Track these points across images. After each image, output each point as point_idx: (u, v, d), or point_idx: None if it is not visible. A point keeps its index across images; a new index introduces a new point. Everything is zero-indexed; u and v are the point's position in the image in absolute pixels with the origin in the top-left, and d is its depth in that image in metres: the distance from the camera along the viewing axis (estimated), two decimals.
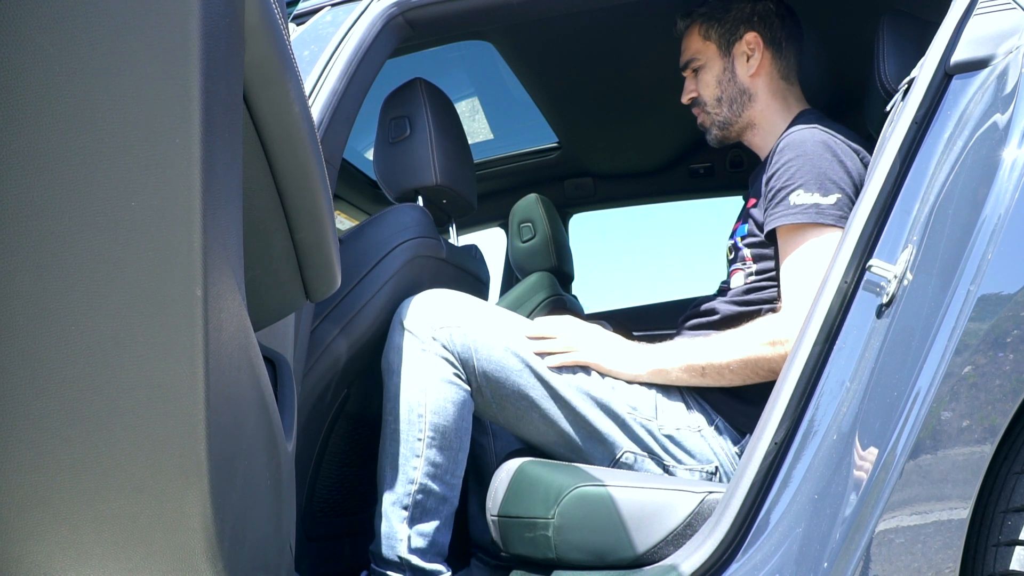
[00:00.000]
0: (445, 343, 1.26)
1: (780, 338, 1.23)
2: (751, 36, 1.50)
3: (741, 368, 1.27)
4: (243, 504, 0.70)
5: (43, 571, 0.64)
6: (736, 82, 1.50)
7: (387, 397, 1.28)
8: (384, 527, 1.25)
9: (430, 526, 1.26)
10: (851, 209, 1.23)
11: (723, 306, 1.41)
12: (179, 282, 0.60)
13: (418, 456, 1.25)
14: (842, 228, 1.22)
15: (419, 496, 1.25)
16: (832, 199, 1.26)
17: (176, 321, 0.60)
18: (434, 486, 1.26)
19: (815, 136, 1.32)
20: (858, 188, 1.28)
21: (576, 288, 2.61)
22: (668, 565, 1.07)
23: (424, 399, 1.25)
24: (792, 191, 1.28)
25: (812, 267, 1.24)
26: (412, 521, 1.25)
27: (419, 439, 1.25)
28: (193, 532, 0.63)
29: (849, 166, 1.29)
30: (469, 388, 1.28)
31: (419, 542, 1.24)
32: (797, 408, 1.03)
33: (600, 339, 1.36)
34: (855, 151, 1.32)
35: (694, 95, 1.55)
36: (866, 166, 1.30)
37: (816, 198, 1.26)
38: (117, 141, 0.59)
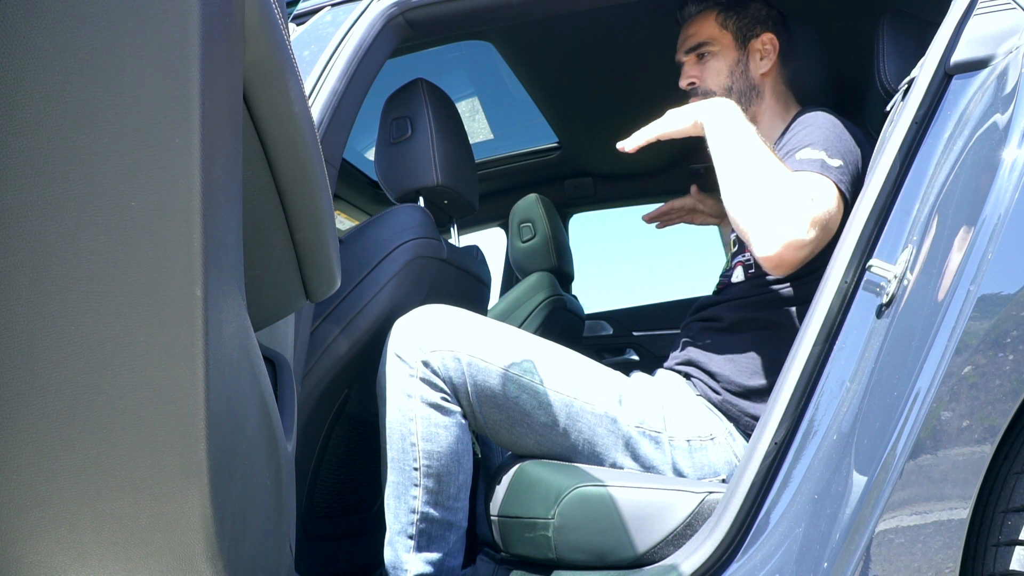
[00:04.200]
0: (436, 368, 1.22)
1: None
2: (768, 37, 1.51)
3: (740, 200, 1.22)
4: (243, 504, 0.70)
5: (43, 571, 0.64)
6: (748, 76, 1.51)
7: (381, 426, 1.26)
8: (389, 556, 1.24)
9: (436, 553, 1.24)
10: (851, 182, 1.26)
11: (727, 313, 1.41)
12: (179, 282, 0.60)
13: (416, 485, 1.23)
14: (841, 192, 1.24)
15: (422, 525, 1.23)
16: (836, 162, 1.26)
17: (176, 321, 0.60)
18: (436, 513, 1.24)
19: (826, 114, 1.36)
20: (859, 167, 1.29)
21: (576, 288, 2.61)
22: (668, 565, 1.07)
23: (414, 427, 1.22)
24: (800, 150, 1.30)
25: (805, 181, 1.23)
26: (418, 549, 1.23)
27: (415, 468, 1.22)
28: (193, 532, 0.63)
29: (854, 142, 1.31)
30: (460, 409, 1.24)
31: (425, 569, 1.23)
32: (797, 408, 1.03)
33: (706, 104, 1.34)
34: (862, 136, 1.35)
35: (695, 80, 1.53)
36: (868, 152, 1.31)
37: (822, 156, 1.27)
38: (117, 141, 0.59)
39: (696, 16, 1.55)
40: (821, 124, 1.33)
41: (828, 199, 1.22)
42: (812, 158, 1.26)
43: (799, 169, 1.26)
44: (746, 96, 1.51)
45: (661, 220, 1.78)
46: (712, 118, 1.30)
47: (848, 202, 1.24)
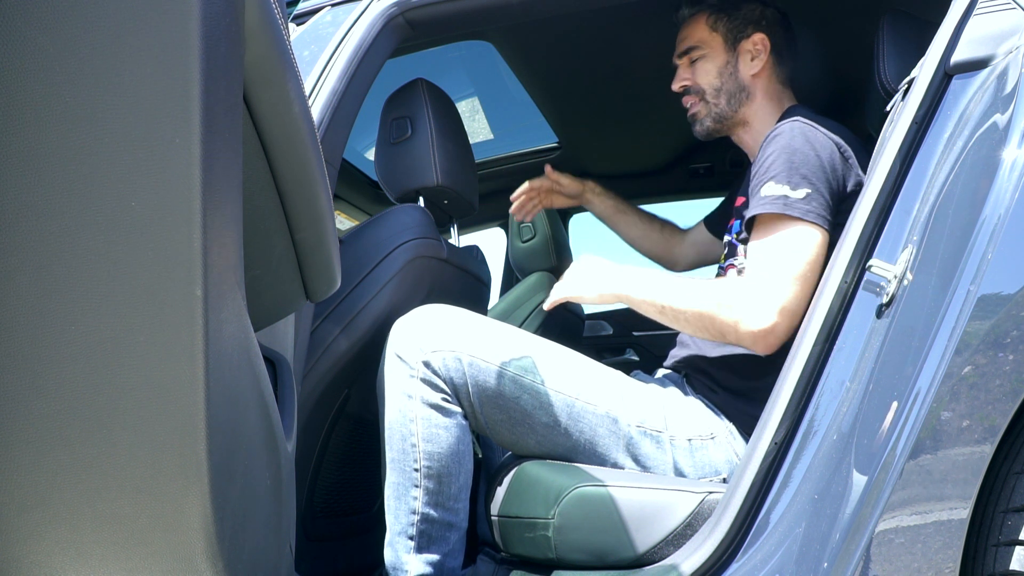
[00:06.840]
0: (437, 368, 1.22)
1: (732, 303, 1.23)
2: (759, 37, 1.51)
3: (695, 320, 1.27)
4: (243, 504, 0.70)
5: (43, 571, 0.64)
6: (737, 78, 1.52)
7: (381, 426, 1.26)
8: (390, 556, 1.24)
9: (436, 554, 1.24)
10: (824, 205, 1.24)
11: None
12: (179, 282, 0.60)
13: (417, 486, 1.23)
14: (812, 223, 1.23)
15: (423, 526, 1.23)
16: (801, 193, 1.25)
17: (176, 321, 0.60)
18: (437, 514, 1.23)
19: (795, 128, 1.31)
20: (835, 182, 1.27)
21: None
22: (668, 565, 1.07)
23: (415, 428, 1.22)
24: (765, 183, 1.29)
25: (774, 250, 1.24)
26: (419, 550, 1.23)
27: (415, 469, 1.22)
28: (193, 532, 0.63)
29: (824, 160, 1.27)
30: (461, 410, 1.24)
31: (425, 570, 1.23)
32: (797, 408, 1.03)
33: (580, 269, 1.39)
34: (836, 145, 1.30)
35: (688, 83, 1.56)
36: (846, 159, 1.29)
37: (785, 190, 1.26)
38: (117, 141, 0.59)
39: (689, 19, 1.57)
40: (787, 147, 1.29)
41: (796, 246, 1.23)
42: (775, 195, 1.26)
43: (763, 207, 1.26)
44: (735, 98, 1.52)
45: (522, 210, 1.85)
46: (621, 289, 1.34)
47: (824, 225, 1.24)
